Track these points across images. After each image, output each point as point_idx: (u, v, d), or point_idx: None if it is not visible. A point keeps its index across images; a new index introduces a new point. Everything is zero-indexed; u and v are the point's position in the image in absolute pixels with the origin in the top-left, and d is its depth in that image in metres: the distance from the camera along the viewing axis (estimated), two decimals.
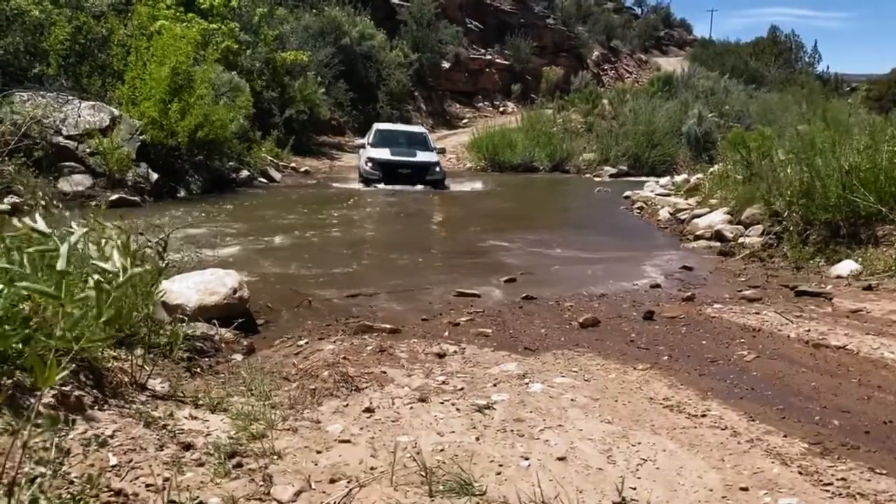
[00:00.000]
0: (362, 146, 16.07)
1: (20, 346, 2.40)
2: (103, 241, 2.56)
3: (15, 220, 1.67)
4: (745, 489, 2.52)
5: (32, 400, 2.48)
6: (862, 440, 2.98)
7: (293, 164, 17.65)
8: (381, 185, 14.68)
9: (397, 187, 14.50)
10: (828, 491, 2.53)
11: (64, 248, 1.45)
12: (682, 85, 30.47)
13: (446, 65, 31.16)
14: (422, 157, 15.64)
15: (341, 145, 22.24)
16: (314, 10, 25.14)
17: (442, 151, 17.33)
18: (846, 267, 6.36)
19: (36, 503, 1.73)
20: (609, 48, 42.11)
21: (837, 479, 2.60)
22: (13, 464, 1.86)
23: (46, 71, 12.56)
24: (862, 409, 3.34)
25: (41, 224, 1.53)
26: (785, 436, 3.00)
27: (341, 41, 24.25)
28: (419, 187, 14.93)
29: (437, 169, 15.49)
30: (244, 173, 14.34)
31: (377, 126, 17.13)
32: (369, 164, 14.93)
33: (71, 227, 1.55)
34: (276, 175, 15.99)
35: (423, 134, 17.47)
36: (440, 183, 15.41)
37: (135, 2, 15.25)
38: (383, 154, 15.17)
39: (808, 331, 4.61)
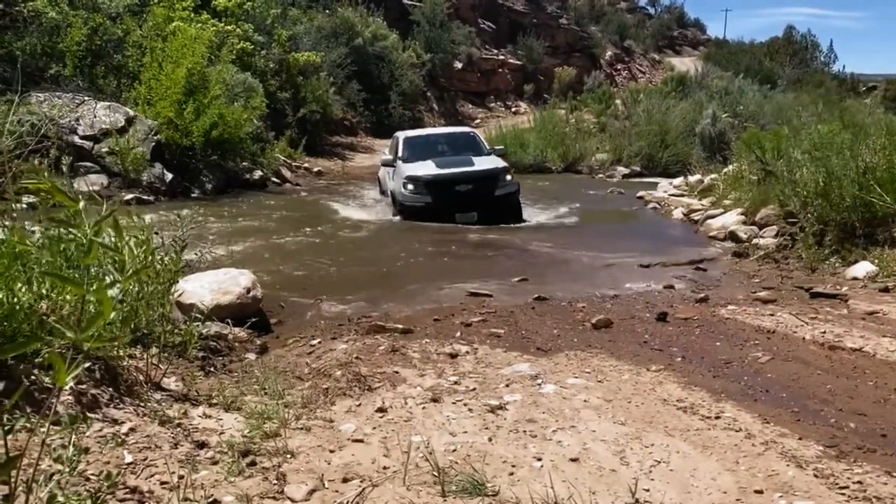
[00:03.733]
0: (389, 164, 11.66)
1: (38, 345, 2.42)
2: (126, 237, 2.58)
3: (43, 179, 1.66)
4: (759, 492, 2.50)
5: (45, 397, 2.51)
6: (878, 443, 2.95)
7: (306, 165, 17.72)
8: (422, 220, 10.10)
9: (454, 221, 10.00)
10: (844, 494, 2.50)
11: (90, 229, 1.45)
12: (696, 85, 30.27)
13: (459, 65, 31.19)
14: (482, 163, 10.96)
15: (353, 146, 22.32)
16: (327, 11, 25.24)
17: (502, 153, 12.31)
18: (862, 268, 6.29)
19: (53, 500, 1.75)
20: (622, 48, 41.96)
21: (854, 483, 2.58)
22: (31, 461, 1.88)
23: (63, 72, 12.70)
24: (878, 412, 3.30)
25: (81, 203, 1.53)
26: (800, 438, 2.97)
27: (354, 42, 24.33)
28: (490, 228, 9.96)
29: (509, 178, 10.80)
30: (257, 174, 14.41)
31: (403, 135, 12.45)
32: (410, 187, 10.36)
33: (100, 214, 1.56)
34: (289, 175, 16.05)
35: (470, 134, 12.93)
36: (515, 199, 10.75)
37: (150, 3, 15.37)
38: (428, 169, 10.54)
39: (824, 333, 4.56)
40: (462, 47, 31.05)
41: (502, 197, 10.55)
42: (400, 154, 11.55)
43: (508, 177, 10.89)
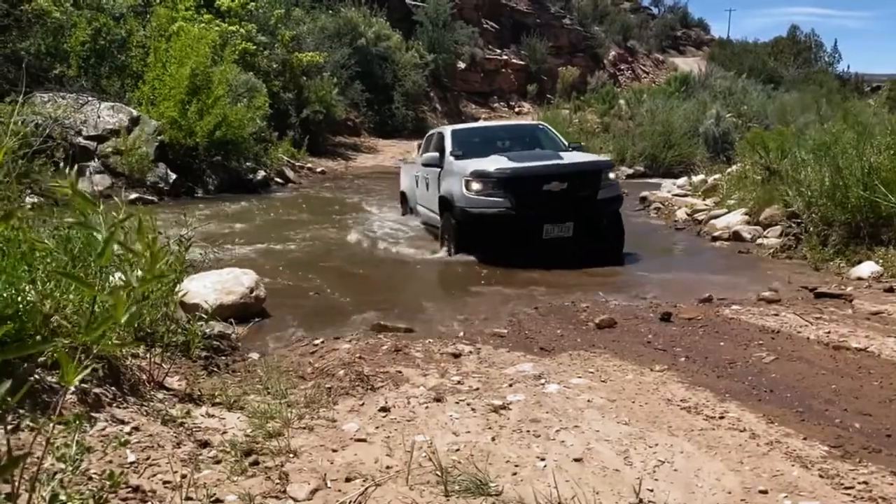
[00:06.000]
0: (433, 164, 8.47)
1: (45, 347, 2.43)
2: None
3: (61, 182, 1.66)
4: (764, 492, 2.49)
5: (48, 396, 2.51)
6: (884, 443, 2.93)
7: (309, 165, 17.73)
8: (489, 240, 7.31)
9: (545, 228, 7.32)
10: (849, 494, 2.49)
11: (105, 232, 1.45)
12: (700, 85, 30.25)
13: (462, 65, 31.18)
14: (572, 156, 8.16)
15: (357, 146, 22.34)
16: (330, 12, 25.27)
17: (579, 147, 9.47)
18: (867, 268, 6.28)
19: (56, 499, 1.75)
20: (626, 48, 41.89)
21: (859, 483, 2.56)
22: (35, 460, 1.88)
23: (67, 72, 12.74)
24: (883, 412, 3.29)
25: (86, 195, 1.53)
26: (805, 438, 2.96)
27: (357, 42, 24.34)
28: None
29: (613, 176, 8.05)
30: (261, 174, 14.42)
31: (449, 129, 9.39)
32: (476, 187, 7.37)
33: (115, 214, 1.56)
34: (292, 175, 16.06)
35: (540, 127, 10.07)
36: (617, 209, 7.92)
37: (154, 4, 15.40)
38: (500, 163, 7.62)
39: (828, 333, 4.55)
40: (465, 47, 31.05)
41: (605, 203, 7.60)
42: (448, 151, 8.52)
43: (612, 175, 8.01)
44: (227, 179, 13.28)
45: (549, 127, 10.22)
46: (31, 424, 2.20)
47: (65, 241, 3.01)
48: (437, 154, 8.62)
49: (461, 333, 4.76)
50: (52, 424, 1.77)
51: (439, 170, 8.39)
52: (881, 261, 6.32)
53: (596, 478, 2.59)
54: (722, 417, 3.19)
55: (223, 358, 4.09)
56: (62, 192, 1.49)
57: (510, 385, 3.61)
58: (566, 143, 9.18)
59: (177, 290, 3.62)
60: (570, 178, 7.43)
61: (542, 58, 34.67)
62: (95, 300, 1.62)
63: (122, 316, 1.50)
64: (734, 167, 12.09)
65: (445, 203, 7.91)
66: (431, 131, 10.46)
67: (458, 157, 8.24)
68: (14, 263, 2.68)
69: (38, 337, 2.50)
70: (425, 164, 8.74)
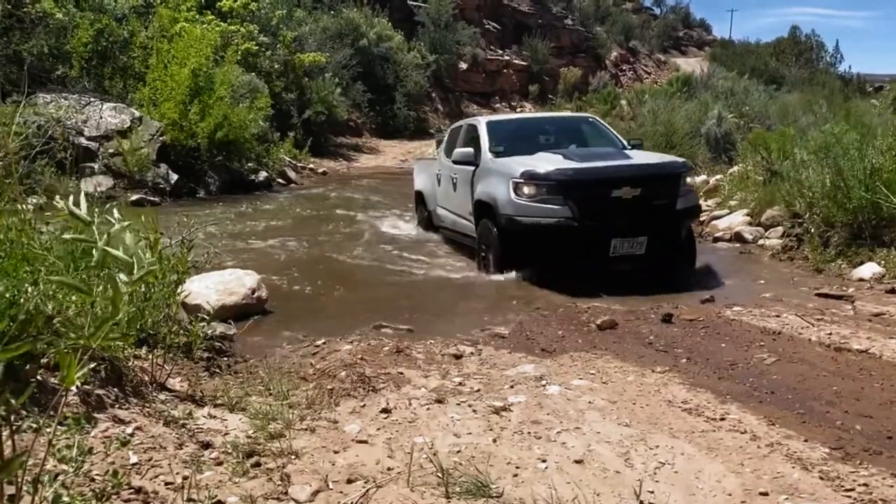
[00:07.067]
0: (467, 161, 7.32)
1: (45, 346, 2.44)
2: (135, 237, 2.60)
3: (58, 200, 1.67)
4: (764, 494, 2.49)
5: (50, 397, 2.52)
6: (885, 445, 2.93)
7: (311, 166, 17.74)
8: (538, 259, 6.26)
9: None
10: (849, 496, 2.49)
11: (102, 242, 1.46)
12: (702, 85, 30.17)
13: (464, 66, 31.17)
14: (642, 156, 7.16)
15: (359, 146, 22.34)
16: (332, 12, 25.28)
17: (640, 145, 7.99)
18: (868, 269, 6.27)
19: (59, 500, 1.76)
20: (627, 48, 41.86)
21: (859, 485, 2.56)
22: (37, 461, 1.89)
23: (69, 73, 12.76)
24: (885, 414, 3.28)
25: (83, 209, 1.54)
26: (806, 440, 2.96)
27: (359, 43, 24.34)
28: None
29: (690, 181, 7.38)
30: (262, 174, 14.42)
31: (483, 120, 8.15)
32: (528, 191, 6.23)
33: (111, 219, 1.57)
34: (294, 176, 16.07)
35: (590, 120, 8.82)
36: (695, 218, 7.31)
37: (155, 4, 15.43)
38: (556, 162, 6.46)
39: (830, 334, 4.54)
40: (467, 48, 31.04)
41: (685, 214, 6.56)
42: (484, 147, 7.32)
43: (689, 180, 7.04)
44: (228, 180, 13.29)
45: (600, 120, 8.78)
46: (32, 425, 2.21)
47: (65, 242, 3.01)
48: (470, 150, 7.36)
49: (463, 335, 4.77)
50: (53, 425, 1.78)
51: (473, 168, 7.22)
52: (883, 262, 6.32)
53: (597, 479, 2.59)
54: (723, 419, 3.19)
55: (225, 359, 4.10)
56: (61, 214, 1.51)
57: (511, 386, 3.61)
58: (624, 141, 7.87)
59: (179, 290, 3.62)
60: (645, 182, 6.24)
61: (543, 58, 34.65)
62: (93, 302, 1.63)
63: (119, 310, 1.52)
64: (736, 168, 12.08)
65: (484, 209, 6.71)
66: (458, 123, 9.17)
67: (497, 155, 7.09)
68: (16, 264, 2.68)
69: (43, 341, 2.50)
70: (456, 162, 7.53)
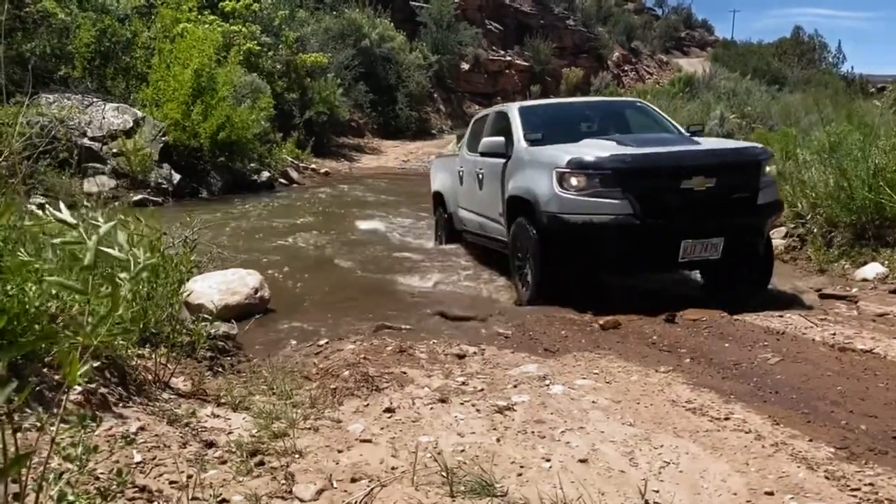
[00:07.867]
0: (498, 153, 6.26)
1: (48, 344, 2.44)
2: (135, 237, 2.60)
3: (36, 208, 1.68)
4: (769, 493, 2.48)
5: (53, 395, 2.52)
6: (890, 445, 2.92)
7: (313, 166, 17.76)
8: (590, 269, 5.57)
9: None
10: (855, 496, 2.48)
11: (91, 242, 1.47)
12: (704, 86, 30.18)
13: (466, 66, 31.21)
14: (713, 142, 6.56)
15: (361, 147, 22.36)
16: (334, 13, 25.32)
17: (700, 133, 6.73)
18: (872, 270, 6.26)
19: (64, 499, 1.75)
20: (630, 49, 41.87)
21: (865, 485, 2.55)
22: (41, 459, 1.89)
23: (72, 73, 12.78)
24: (890, 413, 3.27)
25: (66, 214, 1.55)
26: (811, 440, 2.95)
27: (361, 43, 24.38)
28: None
29: (769, 170, 6.15)
30: (265, 175, 14.45)
31: (514, 107, 6.95)
32: (576, 183, 5.18)
33: (97, 221, 1.58)
34: (296, 176, 16.08)
35: (637, 105, 7.89)
36: (778, 215, 6.24)
37: (158, 5, 15.45)
38: (609, 149, 5.43)
39: (834, 334, 4.53)
40: (469, 48, 31.08)
41: (768, 209, 5.53)
42: (518, 135, 6.29)
43: (769, 169, 6.08)
44: (231, 180, 13.31)
45: (650, 105, 7.64)
46: (36, 424, 2.21)
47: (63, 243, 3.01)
48: (500, 139, 6.26)
49: (465, 335, 4.77)
50: (56, 424, 1.78)
51: (504, 161, 6.17)
52: (886, 262, 6.31)
53: (601, 479, 2.58)
54: (727, 419, 3.18)
55: (228, 358, 4.10)
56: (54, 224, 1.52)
57: (515, 386, 3.60)
58: (681, 128, 6.80)
59: (182, 290, 3.62)
60: (721, 171, 5.19)
61: (545, 59, 34.68)
62: (89, 300, 1.63)
63: (118, 307, 1.52)
64: None
65: (519, 207, 5.72)
66: (483, 112, 8.09)
67: (534, 143, 6.02)
68: (19, 264, 2.68)
69: (45, 339, 2.50)
70: (484, 153, 6.47)
